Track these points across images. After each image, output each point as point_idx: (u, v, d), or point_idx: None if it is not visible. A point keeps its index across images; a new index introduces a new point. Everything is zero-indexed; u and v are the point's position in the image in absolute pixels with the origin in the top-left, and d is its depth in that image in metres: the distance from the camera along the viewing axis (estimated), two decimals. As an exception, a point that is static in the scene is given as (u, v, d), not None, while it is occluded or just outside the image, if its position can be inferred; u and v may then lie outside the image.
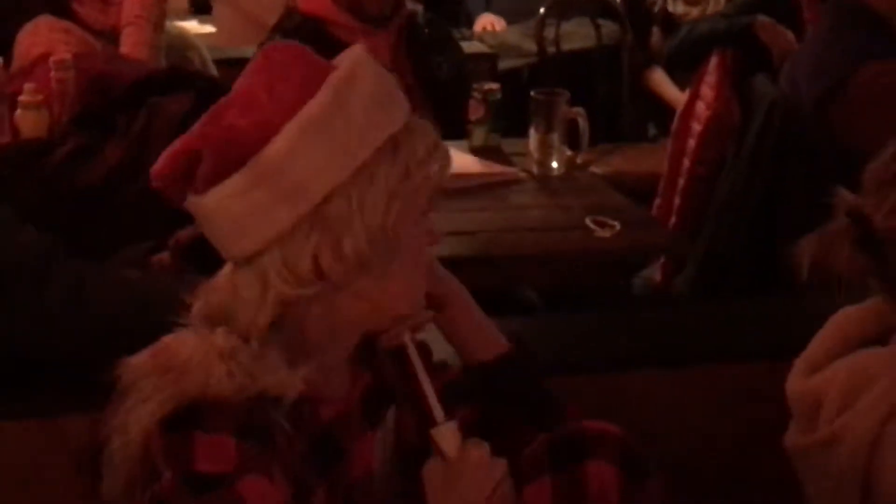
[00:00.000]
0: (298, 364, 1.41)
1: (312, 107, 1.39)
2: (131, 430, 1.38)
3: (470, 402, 1.60)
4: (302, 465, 1.40)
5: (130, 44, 3.24)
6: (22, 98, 2.76)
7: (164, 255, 2.17)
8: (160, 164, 1.43)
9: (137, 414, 1.38)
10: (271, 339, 1.42)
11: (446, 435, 1.49)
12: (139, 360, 1.42)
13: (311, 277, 1.40)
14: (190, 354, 1.40)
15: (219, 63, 3.67)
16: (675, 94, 4.40)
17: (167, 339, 1.43)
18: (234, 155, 1.38)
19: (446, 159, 1.46)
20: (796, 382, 1.62)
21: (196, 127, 1.43)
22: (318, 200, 1.38)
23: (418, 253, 1.47)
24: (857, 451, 1.52)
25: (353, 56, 1.45)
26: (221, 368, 1.38)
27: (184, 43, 3.57)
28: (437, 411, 1.51)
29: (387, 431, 1.55)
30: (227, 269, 1.45)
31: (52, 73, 2.81)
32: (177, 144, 1.42)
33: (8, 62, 3.15)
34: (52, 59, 2.85)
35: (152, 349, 1.43)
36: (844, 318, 1.63)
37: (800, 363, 1.64)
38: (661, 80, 4.62)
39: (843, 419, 1.53)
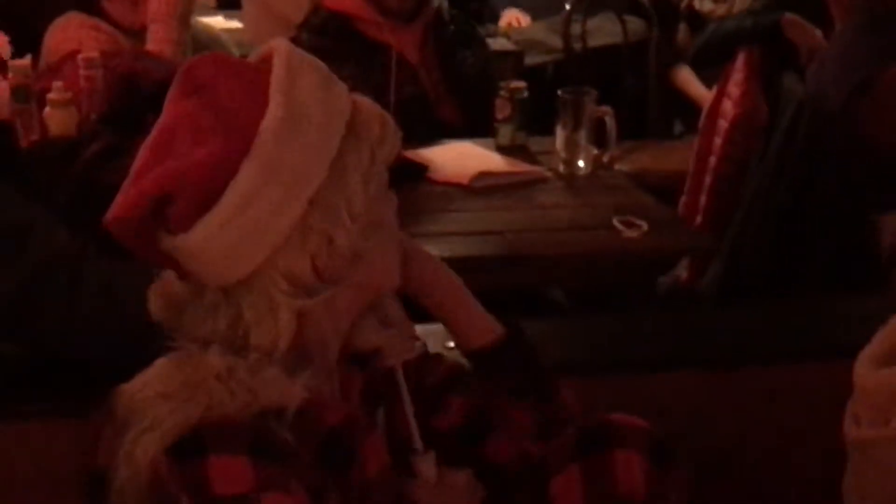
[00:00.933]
0: (298, 371, 1.40)
1: (272, 117, 1.36)
2: (139, 461, 1.37)
3: (467, 391, 1.61)
4: (313, 473, 1.39)
5: (157, 41, 3.24)
6: (51, 96, 2.77)
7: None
8: (117, 210, 1.39)
9: (143, 444, 1.37)
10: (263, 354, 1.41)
11: (425, 462, 1.54)
12: (134, 388, 1.41)
13: (314, 283, 1.39)
14: (187, 378, 1.39)
15: (246, 60, 3.68)
16: (701, 92, 4.38)
17: (160, 363, 1.42)
18: (209, 186, 1.35)
19: (397, 132, 1.45)
20: (868, 374, 1.60)
21: (144, 170, 1.38)
22: (305, 205, 1.37)
23: (392, 226, 1.49)
24: None
25: (282, 52, 1.41)
26: (221, 389, 1.37)
27: (210, 39, 3.58)
28: (417, 441, 1.54)
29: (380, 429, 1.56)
30: (214, 296, 1.41)
31: (81, 71, 2.82)
32: (132, 191, 1.37)
33: (36, 59, 3.16)
34: (80, 56, 2.86)
35: (146, 376, 1.42)
36: None
37: (868, 356, 1.62)
38: (687, 78, 4.60)
39: None
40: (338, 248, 1.39)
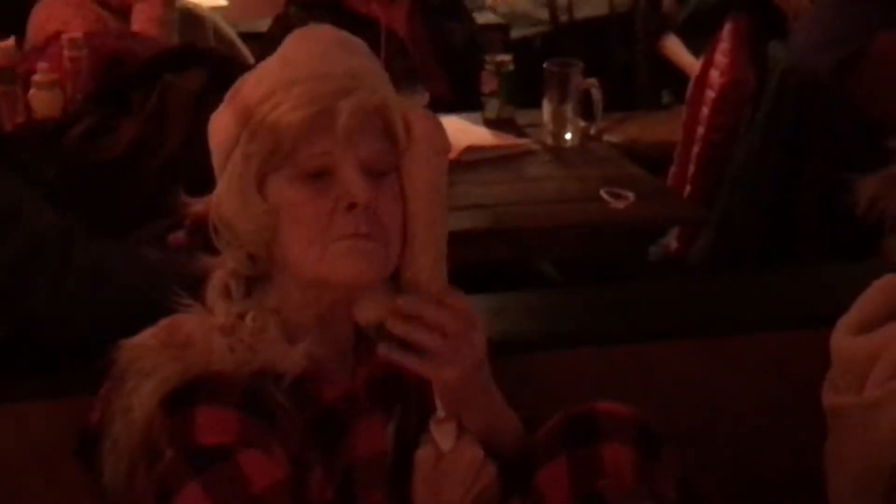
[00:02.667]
0: (299, 341, 1.42)
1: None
2: (135, 412, 1.39)
3: None
4: (301, 443, 1.40)
5: (141, 20, 3.23)
6: (35, 77, 2.77)
7: (180, 234, 2.18)
8: None
9: (140, 394, 1.39)
10: (269, 316, 1.43)
11: (444, 430, 1.49)
12: (136, 342, 1.43)
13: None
14: (190, 331, 1.41)
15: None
16: (690, 61, 4.37)
17: (165, 320, 1.45)
18: None
19: (296, 105, 1.41)
20: (845, 342, 1.61)
21: None
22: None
23: (310, 215, 1.42)
24: None
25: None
26: (223, 343, 1.40)
27: (197, 19, 3.57)
28: (440, 409, 1.50)
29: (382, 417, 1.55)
30: None
31: (65, 52, 2.81)
32: None
33: (22, 40, 3.15)
34: (64, 37, 2.85)
35: (150, 330, 1.44)
36: (890, 283, 1.63)
37: (846, 323, 1.63)
38: (675, 48, 4.59)
39: None
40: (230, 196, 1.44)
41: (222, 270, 1.46)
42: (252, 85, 1.45)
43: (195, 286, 1.47)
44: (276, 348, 1.41)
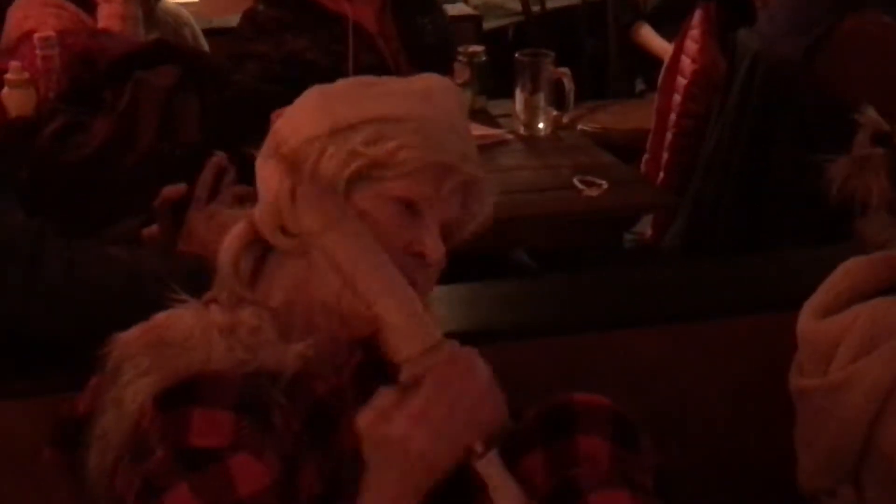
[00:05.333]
0: (292, 340, 1.43)
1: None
2: (128, 404, 1.39)
3: None
4: (295, 440, 1.41)
5: (105, 17, 3.23)
6: (8, 76, 2.76)
7: (153, 228, 2.18)
8: None
9: (135, 388, 1.39)
10: (264, 314, 1.45)
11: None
12: (131, 336, 1.44)
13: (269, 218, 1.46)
14: (189, 330, 1.42)
15: (205, 33, 3.66)
16: (663, 46, 4.38)
17: (161, 315, 1.45)
18: None
19: (420, 146, 1.46)
20: (809, 324, 1.63)
21: None
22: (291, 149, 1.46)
23: (384, 235, 1.46)
24: (869, 398, 1.53)
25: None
26: (222, 344, 1.40)
27: (177, 20, 3.56)
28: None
29: None
30: None
31: (38, 51, 2.81)
32: None
33: (-3, 37, 3.15)
34: (36, 36, 2.85)
35: (145, 325, 1.44)
36: (855, 266, 1.65)
37: (811, 307, 1.65)
38: (648, 34, 4.61)
39: (860, 365, 1.54)
40: (295, 198, 1.45)
41: (243, 229, 1.49)
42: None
43: (168, 283, 1.48)
44: (274, 349, 1.42)
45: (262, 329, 1.43)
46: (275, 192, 1.46)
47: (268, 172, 1.48)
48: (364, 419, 1.38)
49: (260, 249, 1.50)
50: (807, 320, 1.63)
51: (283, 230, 1.46)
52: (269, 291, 1.49)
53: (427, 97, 1.51)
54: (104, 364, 1.44)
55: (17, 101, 2.75)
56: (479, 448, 1.44)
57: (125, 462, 1.39)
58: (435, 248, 1.49)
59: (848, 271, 1.64)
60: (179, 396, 1.37)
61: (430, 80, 1.54)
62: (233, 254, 1.48)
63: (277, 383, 1.41)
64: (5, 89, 2.77)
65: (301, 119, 1.49)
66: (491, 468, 1.44)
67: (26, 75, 2.77)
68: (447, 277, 2.06)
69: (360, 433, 1.38)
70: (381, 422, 1.37)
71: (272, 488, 1.35)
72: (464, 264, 2.41)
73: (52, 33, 2.86)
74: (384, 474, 1.38)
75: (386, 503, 1.37)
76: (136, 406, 1.38)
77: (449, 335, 1.82)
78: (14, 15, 3.25)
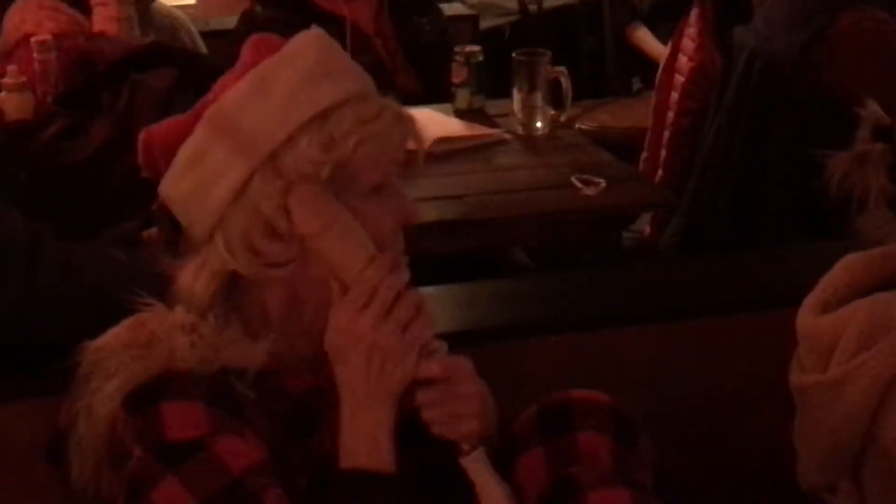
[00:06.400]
0: (260, 337, 1.43)
1: (231, 94, 1.43)
2: (98, 411, 1.40)
3: None
4: (274, 433, 1.42)
5: (100, 21, 3.24)
6: (5, 80, 2.76)
7: (153, 231, 2.19)
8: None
9: (103, 393, 1.40)
10: (231, 314, 1.44)
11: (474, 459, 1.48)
12: (99, 343, 1.44)
13: (248, 257, 1.42)
14: (152, 330, 1.42)
15: (202, 35, 3.67)
16: (659, 50, 4.39)
17: (128, 319, 1.46)
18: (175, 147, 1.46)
19: (377, 134, 1.44)
20: (809, 321, 1.63)
21: None
22: (246, 174, 1.41)
23: (374, 230, 1.45)
24: (869, 394, 1.52)
25: (297, 39, 1.48)
26: (184, 341, 1.41)
27: (173, 22, 3.57)
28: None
29: None
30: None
31: (35, 55, 2.81)
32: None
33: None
34: (33, 40, 2.85)
35: (113, 330, 1.45)
36: (854, 262, 1.64)
37: (810, 303, 1.65)
38: (644, 37, 4.61)
39: (859, 360, 1.53)
40: (274, 228, 1.42)
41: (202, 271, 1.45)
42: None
43: (165, 284, 1.48)
44: (238, 346, 1.42)
45: (227, 327, 1.43)
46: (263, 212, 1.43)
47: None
48: (334, 322, 1.40)
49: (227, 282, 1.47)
50: (806, 316, 1.63)
51: (269, 262, 1.43)
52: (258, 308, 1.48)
53: (313, 74, 1.44)
54: (76, 373, 1.44)
55: (15, 105, 2.75)
56: (465, 446, 1.45)
57: (107, 470, 1.40)
58: (414, 209, 1.50)
59: (846, 267, 1.64)
60: (146, 396, 1.38)
61: (287, 56, 1.47)
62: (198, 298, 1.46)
63: (244, 379, 1.41)
64: (3, 93, 2.77)
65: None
66: (476, 465, 1.45)
67: (24, 79, 2.77)
68: (446, 277, 2.07)
69: (330, 329, 1.40)
70: (351, 317, 1.39)
71: (264, 463, 1.36)
72: (462, 264, 2.42)
73: (48, 37, 2.86)
74: (353, 368, 1.40)
75: (358, 397, 1.39)
76: (105, 412, 1.39)
77: (448, 334, 1.84)
78: (11, 19, 3.25)
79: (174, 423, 1.35)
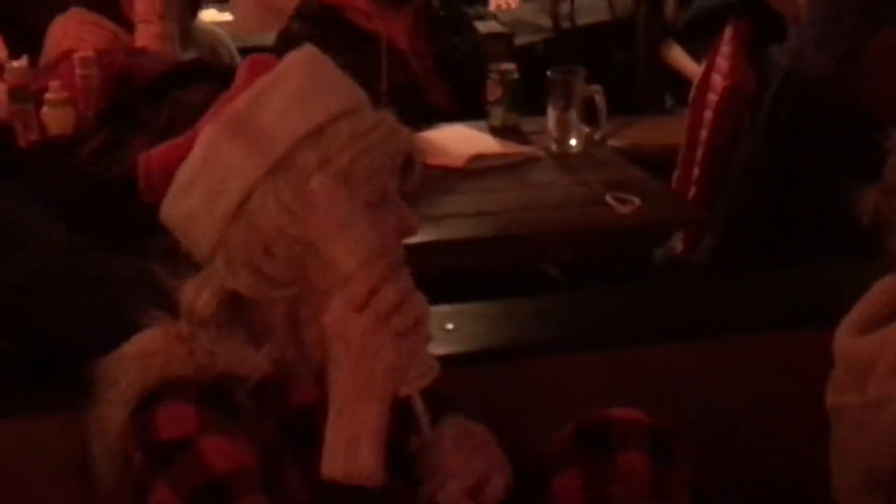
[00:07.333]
0: (264, 347, 1.43)
1: (227, 114, 1.44)
2: (107, 425, 1.41)
3: None
4: (270, 440, 1.41)
5: (142, 38, 3.26)
6: (48, 96, 2.79)
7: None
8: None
9: (109, 406, 1.41)
10: (235, 324, 1.45)
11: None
12: (107, 360, 1.45)
13: (249, 277, 1.42)
14: (153, 342, 1.44)
15: (241, 52, 3.70)
16: (692, 68, 4.40)
17: (137, 335, 1.47)
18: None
19: (371, 148, 1.43)
20: (847, 342, 1.63)
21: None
22: (237, 201, 1.40)
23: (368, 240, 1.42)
24: None
25: (287, 58, 1.48)
26: (182, 349, 1.41)
27: (213, 39, 3.61)
28: (426, 428, 1.48)
29: None
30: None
31: (77, 70, 2.84)
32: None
33: (37, 57, 3.18)
34: (75, 56, 2.88)
35: (121, 347, 1.46)
36: (891, 284, 1.65)
37: (848, 324, 1.65)
38: (677, 55, 4.62)
39: None
40: (272, 249, 1.41)
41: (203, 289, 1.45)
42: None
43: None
44: (238, 354, 1.42)
45: (228, 336, 1.43)
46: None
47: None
48: (330, 314, 1.35)
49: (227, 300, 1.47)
50: (844, 337, 1.64)
51: (271, 282, 1.43)
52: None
53: (306, 91, 1.44)
54: (91, 389, 1.46)
55: (57, 120, 2.78)
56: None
57: (126, 479, 1.41)
58: (413, 220, 1.47)
59: (885, 289, 1.65)
60: (145, 402, 1.39)
61: (280, 74, 1.46)
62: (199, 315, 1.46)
63: (244, 387, 1.41)
64: (45, 108, 2.80)
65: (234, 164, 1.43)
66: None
67: (66, 94, 2.80)
68: (479, 293, 2.09)
69: (324, 326, 1.35)
70: (346, 315, 1.33)
71: (250, 469, 1.36)
72: (496, 280, 2.44)
73: (90, 53, 2.89)
74: (341, 366, 1.34)
75: (347, 399, 1.34)
76: (112, 423, 1.41)
77: (482, 351, 1.86)
78: (53, 34, 3.29)
79: (165, 423, 1.36)
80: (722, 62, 3.69)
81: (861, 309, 1.65)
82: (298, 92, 1.43)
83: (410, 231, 1.46)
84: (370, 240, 1.36)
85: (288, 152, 1.40)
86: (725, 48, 3.70)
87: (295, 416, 1.45)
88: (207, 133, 1.44)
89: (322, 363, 1.43)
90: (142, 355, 1.42)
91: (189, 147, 1.46)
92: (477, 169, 2.95)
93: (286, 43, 3.28)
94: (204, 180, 1.42)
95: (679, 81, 4.55)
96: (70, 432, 1.60)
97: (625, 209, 2.71)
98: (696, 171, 3.70)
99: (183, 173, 1.45)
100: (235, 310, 1.46)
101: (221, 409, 1.38)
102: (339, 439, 1.33)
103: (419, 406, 1.44)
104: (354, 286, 1.33)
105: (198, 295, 1.44)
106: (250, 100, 1.43)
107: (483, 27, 4.20)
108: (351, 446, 1.33)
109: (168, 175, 1.46)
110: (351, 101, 1.45)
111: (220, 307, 1.44)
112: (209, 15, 4.66)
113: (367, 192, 1.42)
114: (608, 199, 2.75)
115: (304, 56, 1.48)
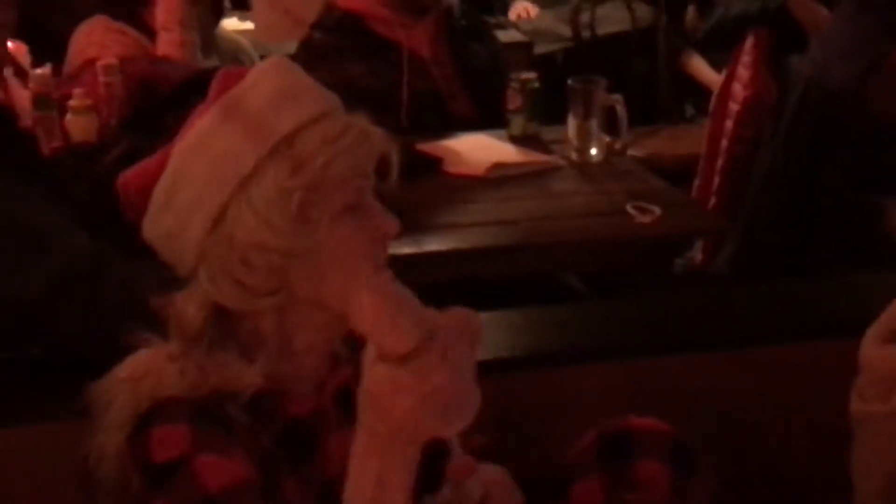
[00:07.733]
0: (256, 360, 1.43)
1: (196, 129, 1.43)
2: (105, 449, 1.41)
3: None
4: (267, 455, 1.41)
5: (164, 45, 3.29)
6: (71, 103, 2.81)
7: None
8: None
9: (105, 430, 1.41)
10: (227, 339, 1.44)
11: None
12: (106, 381, 1.45)
13: (232, 289, 1.41)
14: (143, 364, 1.43)
15: (262, 60, 3.71)
16: (713, 78, 4.40)
17: (130, 356, 1.46)
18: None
19: (344, 152, 1.41)
20: (873, 350, 1.63)
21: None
22: (213, 215, 1.40)
23: (356, 248, 1.43)
24: None
25: (256, 68, 1.48)
26: (173, 368, 1.41)
27: (235, 47, 3.62)
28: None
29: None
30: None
31: (100, 78, 2.86)
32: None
33: (60, 65, 3.21)
34: (99, 64, 2.90)
35: (114, 370, 1.46)
36: None
37: (875, 332, 1.65)
38: (698, 66, 4.63)
39: None
40: (251, 261, 1.40)
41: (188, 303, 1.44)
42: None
43: None
44: (231, 370, 1.41)
45: (219, 352, 1.42)
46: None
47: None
48: (373, 378, 1.21)
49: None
50: (870, 346, 1.63)
51: (254, 293, 1.42)
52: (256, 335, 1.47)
53: (273, 101, 1.43)
54: (90, 411, 1.45)
55: (81, 127, 2.80)
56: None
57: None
58: (392, 223, 1.45)
59: None
60: (140, 425, 1.38)
61: (247, 86, 1.45)
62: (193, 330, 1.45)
63: (237, 402, 1.40)
64: (69, 115, 2.82)
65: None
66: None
67: (89, 101, 2.82)
68: (500, 302, 2.09)
69: (364, 388, 1.22)
70: (392, 393, 1.19)
71: (247, 485, 1.35)
72: (517, 289, 2.44)
73: (114, 60, 2.91)
74: (366, 429, 1.23)
75: (368, 458, 1.23)
76: (112, 448, 1.40)
77: (503, 360, 1.86)
78: (77, 42, 3.31)
79: (159, 445, 1.36)
80: (742, 72, 3.70)
81: (887, 317, 1.65)
82: (266, 103, 1.42)
83: (388, 233, 1.45)
84: (424, 322, 1.21)
85: (258, 163, 1.39)
86: (746, 58, 3.70)
87: (290, 429, 1.45)
88: (180, 149, 1.44)
89: (318, 370, 1.43)
90: (132, 378, 1.42)
91: (164, 165, 1.45)
92: (497, 178, 2.95)
93: (308, 51, 3.29)
94: (179, 197, 1.42)
95: (699, 91, 4.55)
96: (72, 441, 1.61)
97: (645, 219, 2.71)
98: (716, 181, 3.70)
99: (159, 191, 1.44)
100: (225, 325, 1.45)
101: (215, 425, 1.38)
102: (366, 479, 1.23)
103: (455, 446, 1.35)
104: (405, 370, 1.19)
105: (184, 309, 1.43)
106: (220, 113, 1.43)
107: (503, 36, 4.21)
108: (378, 488, 1.23)
109: (146, 193, 1.45)
110: (320, 106, 1.44)
111: (208, 321, 1.43)
112: (231, 23, 4.68)
113: (343, 196, 1.41)
114: (628, 208, 2.75)
115: (271, 66, 1.48)
